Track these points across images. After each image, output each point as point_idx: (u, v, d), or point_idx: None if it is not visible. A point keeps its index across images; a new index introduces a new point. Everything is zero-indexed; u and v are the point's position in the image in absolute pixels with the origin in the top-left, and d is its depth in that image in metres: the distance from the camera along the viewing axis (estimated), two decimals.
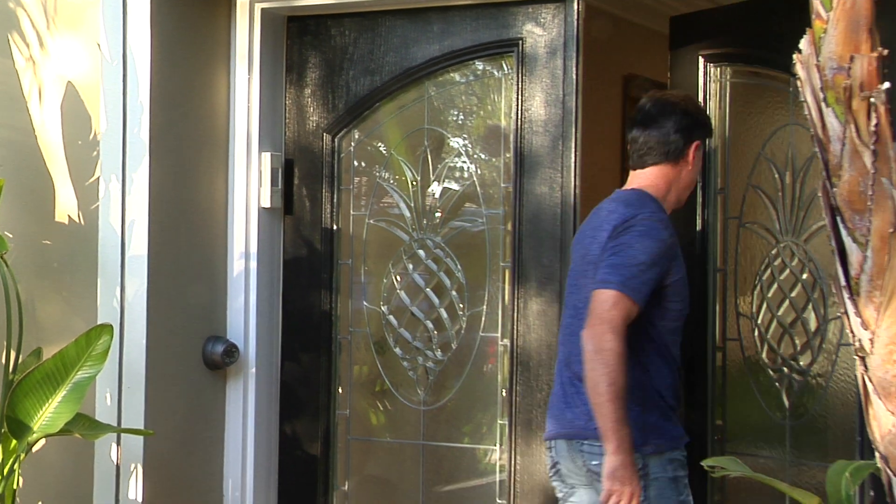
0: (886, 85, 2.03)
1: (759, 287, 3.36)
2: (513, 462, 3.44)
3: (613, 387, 2.96)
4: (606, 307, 2.99)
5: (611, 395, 2.95)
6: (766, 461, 3.29)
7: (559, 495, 3.15)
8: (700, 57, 3.53)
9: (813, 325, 3.25)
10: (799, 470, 3.22)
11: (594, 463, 3.03)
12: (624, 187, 3.36)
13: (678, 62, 3.63)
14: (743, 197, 3.44)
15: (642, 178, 3.31)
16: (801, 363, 3.27)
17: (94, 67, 3.59)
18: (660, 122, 3.31)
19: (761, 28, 3.36)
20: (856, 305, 2.11)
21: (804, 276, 3.27)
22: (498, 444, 3.52)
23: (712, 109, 3.51)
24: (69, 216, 3.62)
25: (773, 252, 3.34)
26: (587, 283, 3.18)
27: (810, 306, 3.25)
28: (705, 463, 2.93)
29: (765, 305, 3.35)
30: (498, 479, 3.51)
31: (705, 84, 3.52)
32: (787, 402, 3.29)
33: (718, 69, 3.51)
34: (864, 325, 2.11)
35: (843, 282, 2.12)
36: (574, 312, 3.15)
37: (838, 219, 2.11)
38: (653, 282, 3.12)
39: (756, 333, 3.36)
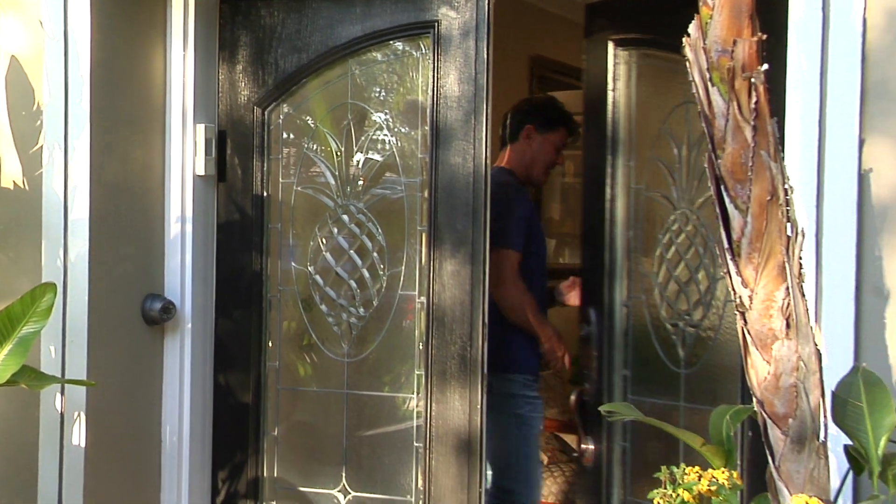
0: (765, 66, 2.06)
1: (659, 249, 3.41)
2: (429, 409, 3.45)
3: (532, 306, 4.19)
4: (508, 263, 3.90)
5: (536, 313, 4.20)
6: (664, 406, 3.35)
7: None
8: (609, 41, 3.55)
9: (704, 283, 3.29)
10: (691, 413, 3.28)
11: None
12: None
13: (590, 46, 3.66)
14: (647, 168, 3.47)
15: (502, 156, 4.37)
16: (694, 318, 3.32)
17: (36, 43, 3.51)
18: (510, 113, 4.40)
19: (663, 14, 3.38)
20: (737, 266, 2.15)
21: (697, 239, 3.31)
22: (415, 393, 3.53)
23: (620, 90, 3.54)
24: (14, 182, 3.55)
25: (672, 218, 3.38)
26: None
27: (702, 267, 3.30)
28: (602, 409, 2.98)
29: (664, 266, 3.39)
30: (415, 425, 3.53)
31: (614, 66, 3.55)
32: (681, 353, 3.34)
33: (625, 52, 3.53)
34: (744, 284, 2.15)
35: (726, 244, 2.16)
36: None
37: (722, 188, 2.14)
38: (525, 233, 4.08)
39: (657, 291, 3.41)
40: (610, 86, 3.55)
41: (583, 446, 3.54)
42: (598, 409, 3.45)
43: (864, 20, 2.68)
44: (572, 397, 3.59)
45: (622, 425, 3.47)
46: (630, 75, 3.53)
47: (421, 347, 3.50)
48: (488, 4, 3.38)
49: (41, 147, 3.50)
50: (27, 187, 3.53)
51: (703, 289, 3.30)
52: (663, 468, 2.27)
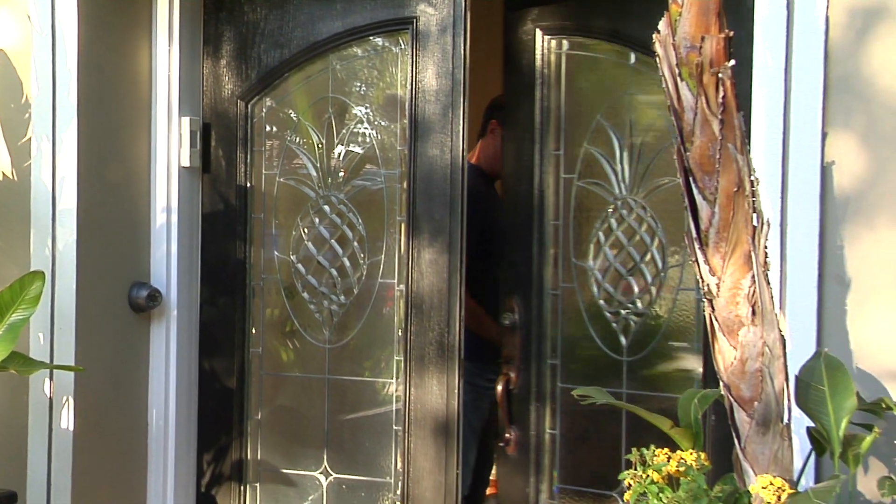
0: (732, 62, 2.07)
1: (596, 238, 3.33)
2: (407, 393, 3.45)
3: (473, 310, 3.89)
4: None
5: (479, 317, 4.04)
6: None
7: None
8: (537, 29, 3.43)
9: (651, 272, 3.26)
10: (635, 400, 3.22)
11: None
12: None
13: (515, 35, 3.50)
14: (580, 158, 3.36)
15: (474, 151, 4.30)
16: (640, 306, 3.27)
17: (24, 37, 3.48)
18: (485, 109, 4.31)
19: (598, 3, 3.33)
20: (705, 255, 2.16)
21: (643, 228, 3.26)
22: (394, 378, 3.53)
23: (550, 78, 3.42)
24: (3, 173, 3.52)
25: (611, 207, 3.31)
26: None
27: (649, 255, 3.26)
28: (575, 392, 2.98)
29: (602, 254, 3.32)
30: (394, 408, 3.53)
31: (542, 56, 3.42)
32: (624, 341, 3.29)
33: (555, 41, 3.42)
34: (712, 272, 2.16)
35: (694, 234, 2.16)
36: None
37: (691, 179, 2.15)
38: (477, 236, 3.66)
39: (593, 280, 3.34)
40: (538, 74, 3.42)
41: (506, 435, 3.50)
42: (526, 398, 3.45)
43: (827, 18, 2.69)
44: (499, 387, 3.53)
45: (552, 412, 3.43)
46: (559, 65, 3.40)
47: (400, 334, 3.50)
48: (465, 2, 3.37)
49: (29, 139, 3.48)
50: (16, 178, 3.51)
51: (652, 276, 3.26)
52: (633, 450, 2.28)
